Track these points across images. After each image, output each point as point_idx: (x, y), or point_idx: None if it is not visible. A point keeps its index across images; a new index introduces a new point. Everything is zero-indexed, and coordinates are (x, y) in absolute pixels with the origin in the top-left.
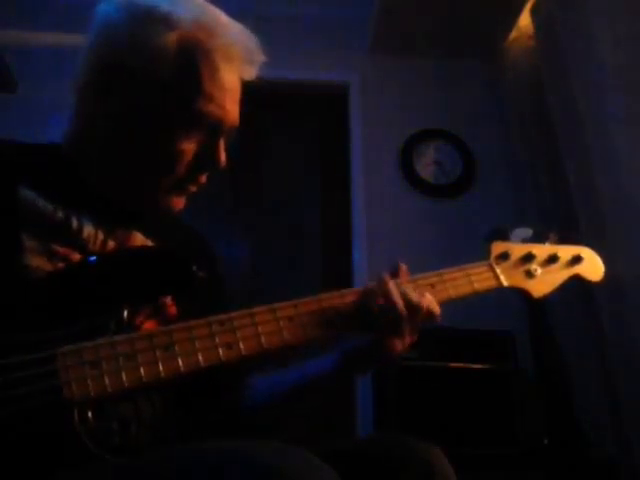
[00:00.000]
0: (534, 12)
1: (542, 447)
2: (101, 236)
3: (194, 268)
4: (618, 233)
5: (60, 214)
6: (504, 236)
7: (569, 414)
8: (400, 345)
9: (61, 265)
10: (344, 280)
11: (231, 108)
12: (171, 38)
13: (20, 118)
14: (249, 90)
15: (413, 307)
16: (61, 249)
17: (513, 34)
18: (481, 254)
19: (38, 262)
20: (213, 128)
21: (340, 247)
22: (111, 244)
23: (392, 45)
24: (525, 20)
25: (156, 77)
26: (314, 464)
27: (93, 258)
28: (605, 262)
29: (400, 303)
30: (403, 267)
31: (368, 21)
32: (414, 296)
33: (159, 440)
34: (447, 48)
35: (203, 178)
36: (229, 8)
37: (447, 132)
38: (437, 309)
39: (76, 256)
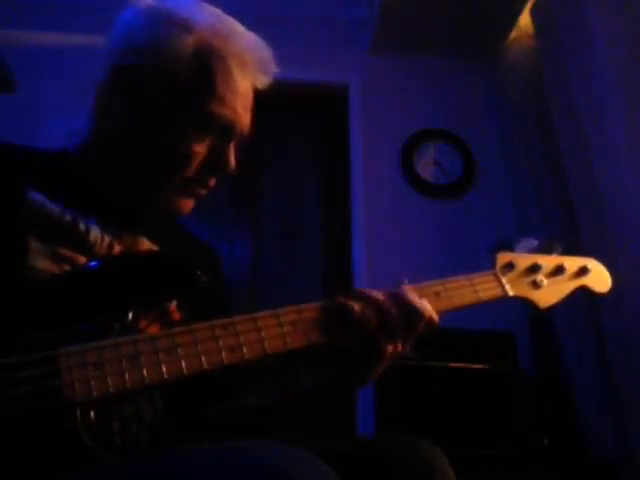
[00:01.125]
0: (534, 12)
1: (542, 447)
2: (107, 240)
3: (199, 273)
4: (618, 233)
5: (68, 217)
6: (509, 247)
7: (569, 414)
8: (391, 348)
9: (67, 267)
10: (344, 280)
11: (242, 113)
12: (188, 41)
13: (19, 118)
14: None
15: (410, 311)
16: (67, 252)
17: (513, 34)
18: (480, 255)
19: (43, 264)
20: (224, 131)
21: (340, 247)
22: (117, 248)
23: (392, 45)
24: (525, 20)
25: (171, 78)
26: (314, 464)
27: (99, 261)
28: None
29: (393, 310)
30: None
31: (368, 21)
32: (415, 299)
33: (159, 440)
34: (447, 48)
35: (212, 181)
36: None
37: (447, 132)
38: (435, 316)
39: (82, 259)
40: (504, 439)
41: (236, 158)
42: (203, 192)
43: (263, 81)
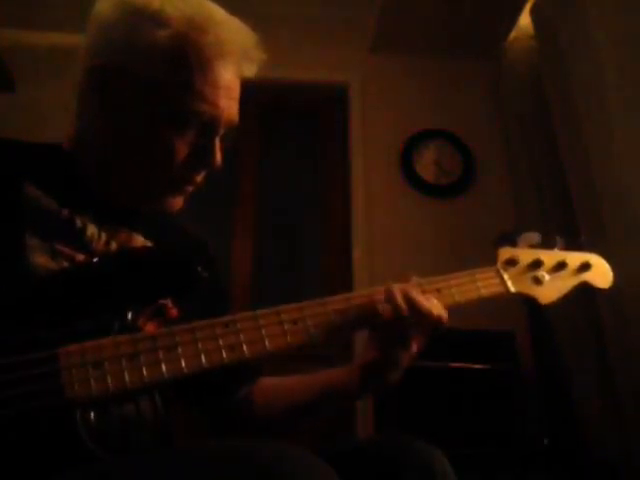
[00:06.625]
0: (534, 12)
1: (542, 448)
2: (104, 236)
3: (199, 269)
4: (617, 232)
5: (65, 213)
6: (512, 242)
7: (569, 414)
8: (407, 356)
9: (65, 264)
10: (344, 280)
11: (226, 105)
12: (161, 36)
13: (19, 118)
14: (249, 90)
15: (419, 312)
16: (65, 249)
17: (513, 34)
18: (480, 254)
19: (42, 261)
20: (207, 126)
21: (340, 247)
22: (114, 245)
23: (392, 45)
24: (525, 20)
25: (147, 75)
26: (314, 464)
27: (97, 258)
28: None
29: (404, 307)
30: (413, 279)
31: (368, 21)
32: (421, 301)
33: (160, 440)
34: (447, 48)
35: (199, 178)
36: (228, 8)
37: (447, 132)
38: (444, 314)
39: (80, 256)
40: (504, 439)
41: (222, 153)
42: (191, 189)
43: (249, 68)
